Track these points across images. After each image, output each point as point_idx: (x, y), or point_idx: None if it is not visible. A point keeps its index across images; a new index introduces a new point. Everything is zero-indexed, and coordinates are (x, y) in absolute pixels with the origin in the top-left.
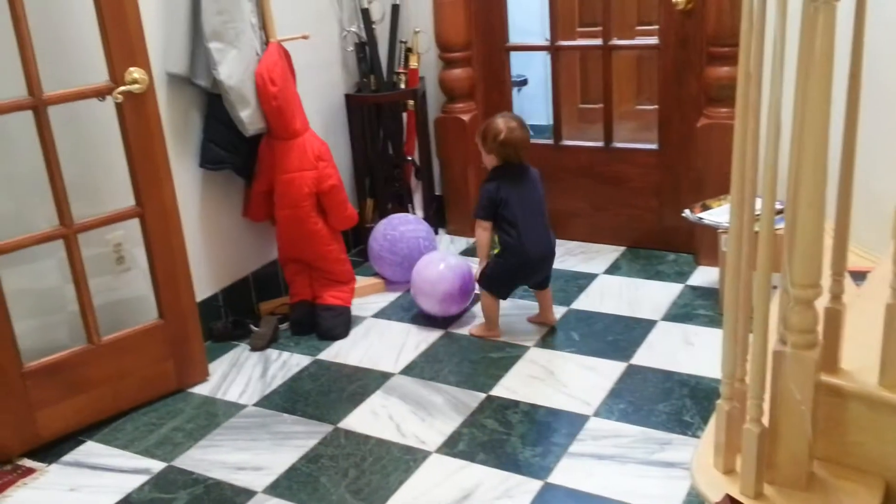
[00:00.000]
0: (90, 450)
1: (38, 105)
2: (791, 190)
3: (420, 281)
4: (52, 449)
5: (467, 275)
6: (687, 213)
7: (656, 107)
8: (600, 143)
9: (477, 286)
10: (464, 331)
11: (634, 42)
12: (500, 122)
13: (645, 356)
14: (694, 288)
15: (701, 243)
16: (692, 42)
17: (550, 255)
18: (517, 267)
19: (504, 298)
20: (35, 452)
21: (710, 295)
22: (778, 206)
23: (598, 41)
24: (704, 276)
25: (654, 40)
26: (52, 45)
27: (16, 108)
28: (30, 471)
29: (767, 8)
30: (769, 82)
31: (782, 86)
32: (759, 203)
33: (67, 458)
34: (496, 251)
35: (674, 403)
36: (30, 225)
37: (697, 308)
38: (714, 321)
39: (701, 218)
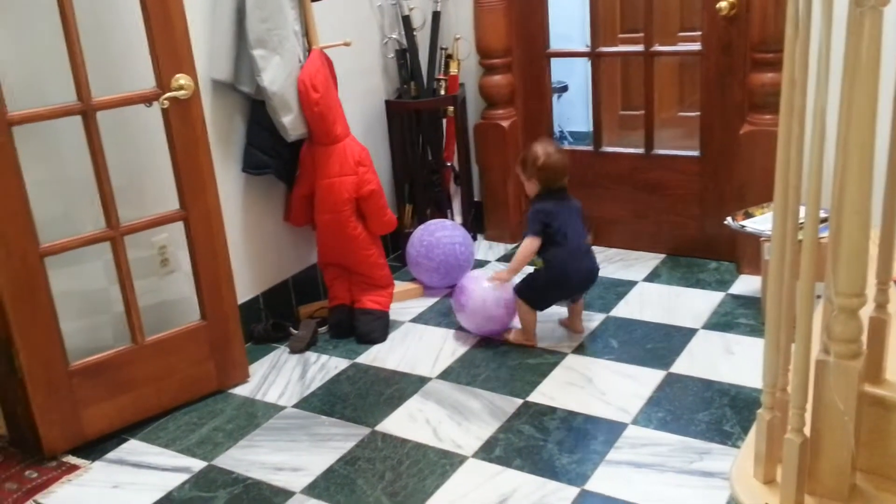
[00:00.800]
0: (133, 448)
1: (86, 110)
2: (836, 197)
3: (464, 298)
4: (95, 447)
5: (510, 299)
6: (729, 220)
7: (698, 113)
8: (641, 150)
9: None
10: (500, 337)
11: (677, 48)
12: (539, 149)
13: (685, 365)
14: (735, 297)
15: (743, 252)
16: (735, 48)
17: (593, 279)
18: (559, 284)
19: (541, 310)
20: (79, 450)
21: (751, 304)
22: (822, 214)
23: (639, 47)
24: (746, 284)
25: (696, 46)
26: (101, 51)
27: (65, 112)
28: (74, 468)
29: (813, 13)
30: (814, 88)
31: (827, 92)
32: (802, 211)
33: (111, 455)
34: (537, 266)
35: (714, 413)
36: (78, 227)
37: (739, 317)
38: (756, 330)
39: (743, 226)
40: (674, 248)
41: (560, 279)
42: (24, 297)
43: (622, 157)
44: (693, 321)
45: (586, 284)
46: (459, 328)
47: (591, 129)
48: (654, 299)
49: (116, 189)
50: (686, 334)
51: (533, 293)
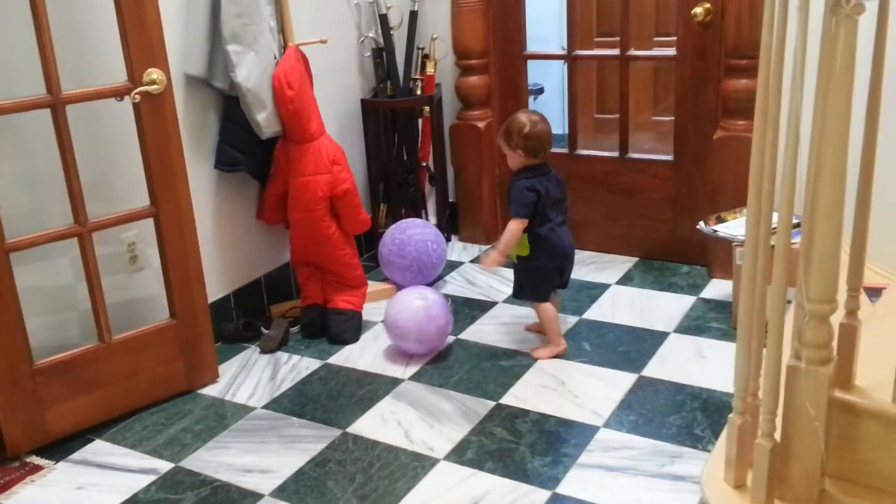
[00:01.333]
0: (98, 448)
1: (56, 103)
2: (808, 203)
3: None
4: (60, 447)
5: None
6: (701, 225)
7: (672, 118)
8: (615, 154)
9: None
10: (475, 338)
11: (652, 53)
12: (524, 117)
13: (656, 368)
14: (707, 300)
15: (715, 256)
16: (710, 53)
17: (573, 253)
18: (555, 263)
19: (547, 300)
20: (43, 450)
21: (723, 308)
22: (794, 220)
23: (615, 51)
24: (718, 288)
25: (671, 51)
26: (71, 44)
27: (34, 106)
28: (37, 468)
29: (788, 20)
30: (789, 95)
31: (802, 98)
32: (775, 216)
33: (75, 456)
34: (518, 255)
35: (685, 416)
36: (45, 223)
37: (710, 321)
38: (727, 334)
39: (716, 230)
40: (646, 251)
41: (556, 256)
42: None
43: (596, 161)
44: (665, 325)
45: (572, 260)
46: None
47: (566, 131)
48: (626, 302)
49: (86, 184)
50: (658, 338)
51: (539, 286)
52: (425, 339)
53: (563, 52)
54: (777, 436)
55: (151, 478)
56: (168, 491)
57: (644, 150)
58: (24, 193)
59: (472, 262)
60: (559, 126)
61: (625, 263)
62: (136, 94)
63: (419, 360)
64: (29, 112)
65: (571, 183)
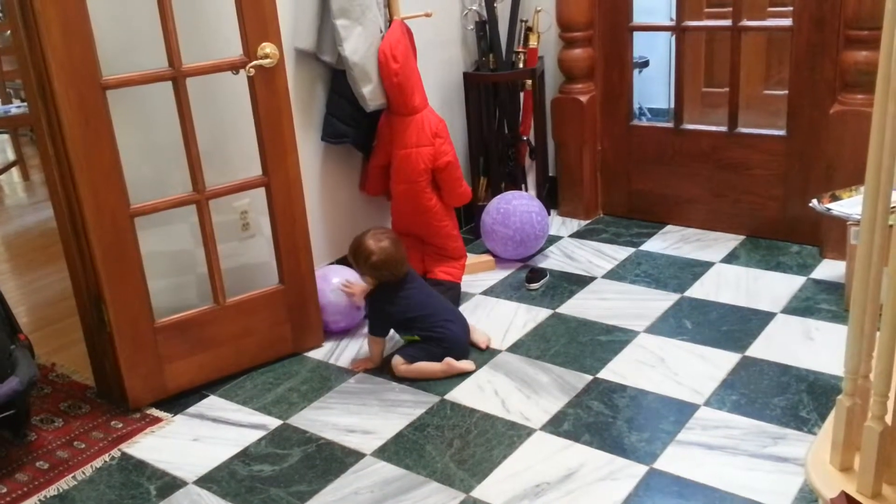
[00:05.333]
0: (212, 404)
1: (177, 76)
2: None
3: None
4: (177, 401)
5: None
6: (814, 203)
7: (785, 92)
8: (724, 128)
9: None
10: (573, 313)
11: (766, 23)
12: (371, 243)
13: (761, 348)
14: (817, 281)
15: (828, 235)
16: (828, 24)
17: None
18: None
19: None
20: (162, 403)
21: (834, 289)
22: None
23: (726, 22)
24: (829, 269)
25: (787, 21)
26: (190, 19)
27: (157, 78)
28: (156, 420)
29: None
30: None
31: None
32: (894, 195)
33: (191, 410)
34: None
35: (790, 398)
36: (166, 191)
37: (820, 302)
38: (837, 317)
39: (829, 209)
40: (754, 229)
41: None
42: (114, 255)
43: (703, 135)
44: (772, 305)
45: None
46: (531, 302)
47: (670, 105)
48: (731, 281)
49: (202, 154)
50: (764, 318)
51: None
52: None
53: (672, 24)
54: (888, 419)
55: (261, 433)
56: (277, 446)
57: (754, 124)
58: (147, 163)
59: (570, 236)
60: (663, 100)
61: (730, 241)
62: (251, 67)
63: (517, 332)
64: (150, 85)
65: (675, 158)
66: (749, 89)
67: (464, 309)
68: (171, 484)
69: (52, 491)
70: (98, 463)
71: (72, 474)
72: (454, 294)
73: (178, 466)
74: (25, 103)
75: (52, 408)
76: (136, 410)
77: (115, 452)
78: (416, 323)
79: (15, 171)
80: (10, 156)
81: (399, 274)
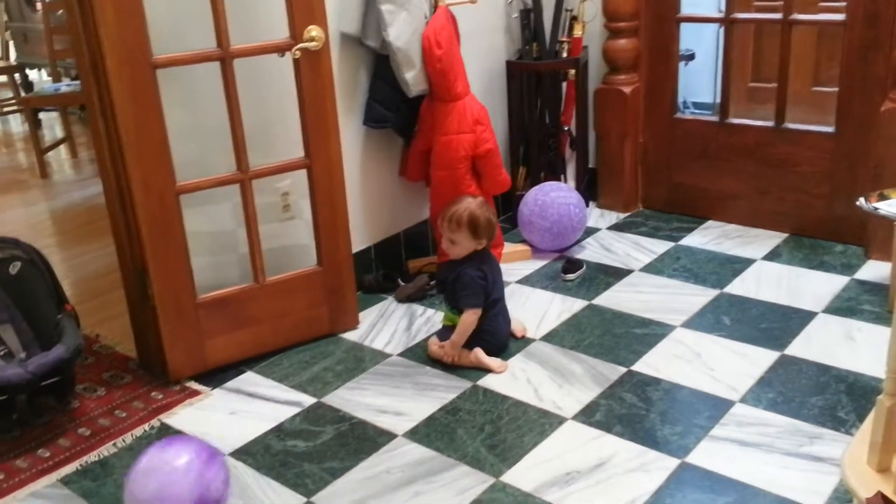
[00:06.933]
0: (249, 379)
1: (225, 57)
2: None
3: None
4: (216, 375)
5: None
6: (861, 201)
7: (834, 89)
8: (770, 123)
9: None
10: (608, 304)
11: (817, 17)
12: (483, 210)
13: (801, 347)
14: (861, 282)
15: (874, 235)
16: (882, 19)
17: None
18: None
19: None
20: (201, 377)
21: (878, 290)
22: None
23: (777, 15)
24: (874, 270)
25: (839, 16)
26: (240, 1)
27: (206, 58)
28: (195, 392)
29: None
30: None
31: None
32: None
33: (229, 384)
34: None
35: (828, 398)
36: (209, 171)
37: (863, 303)
38: (881, 318)
39: (877, 208)
40: (797, 227)
41: (492, 343)
42: (160, 231)
43: (749, 130)
44: (813, 304)
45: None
46: (566, 292)
47: (715, 100)
48: (772, 279)
49: (246, 135)
50: (804, 317)
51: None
52: None
53: (721, 15)
54: None
55: (296, 409)
56: (311, 423)
57: (800, 122)
58: (192, 142)
59: (608, 228)
60: (708, 94)
61: (772, 239)
62: (297, 50)
63: (551, 322)
64: (197, 66)
65: (719, 153)
66: (797, 85)
67: None
68: None
69: (93, 457)
70: (138, 432)
71: (112, 441)
72: None
73: (215, 438)
74: (75, 82)
75: (95, 377)
76: (176, 383)
77: (155, 422)
78: (488, 296)
79: (63, 149)
80: (59, 133)
81: (493, 238)
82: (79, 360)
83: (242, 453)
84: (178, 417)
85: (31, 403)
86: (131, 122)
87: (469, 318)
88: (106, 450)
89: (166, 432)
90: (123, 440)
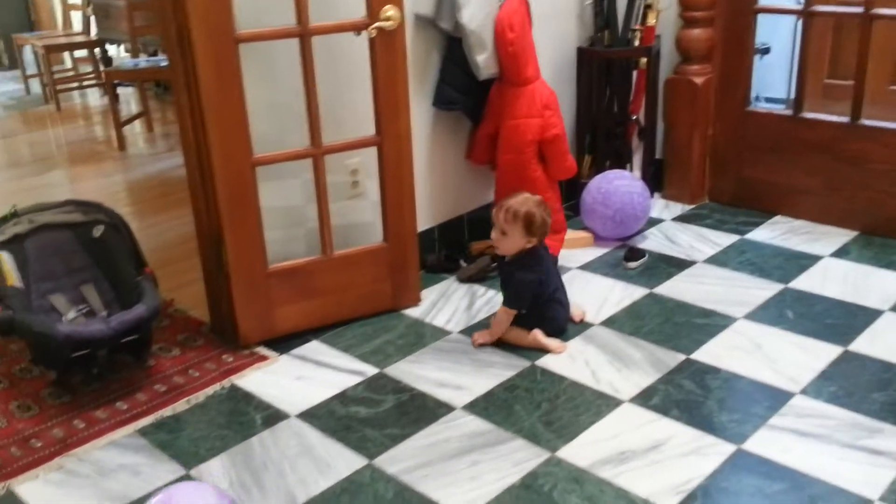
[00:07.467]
0: (315, 348)
1: (304, 34)
2: None
3: None
4: (283, 342)
5: None
6: None
7: None
8: (846, 119)
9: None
10: (670, 294)
11: None
12: (539, 208)
13: (865, 344)
14: None
15: None
16: None
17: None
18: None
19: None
20: (269, 343)
21: None
22: None
23: (858, 8)
24: None
25: None
26: None
27: (286, 35)
28: (264, 357)
29: None
30: None
31: None
32: None
33: (296, 351)
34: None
35: (891, 394)
36: (281, 147)
37: None
38: None
39: None
40: (869, 226)
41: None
42: (236, 202)
43: (823, 126)
44: (881, 302)
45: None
46: (627, 280)
47: (789, 95)
48: (839, 276)
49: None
50: (871, 314)
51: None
52: None
53: (799, 7)
54: None
55: (358, 378)
56: (372, 391)
57: (877, 118)
58: (267, 119)
59: (673, 220)
60: (781, 90)
61: (841, 237)
62: (373, 28)
63: (611, 308)
64: (274, 43)
65: (791, 147)
66: (874, 83)
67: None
68: (276, 415)
69: (167, 412)
70: (210, 391)
71: (186, 398)
72: None
73: (282, 400)
74: (153, 58)
75: (170, 339)
76: (246, 347)
77: (226, 383)
78: (542, 291)
79: (138, 123)
80: (134, 108)
81: (545, 236)
82: (157, 320)
83: (308, 416)
84: (248, 380)
85: (111, 360)
86: (214, 95)
87: (503, 315)
88: (180, 406)
89: (236, 393)
90: (196, 397)
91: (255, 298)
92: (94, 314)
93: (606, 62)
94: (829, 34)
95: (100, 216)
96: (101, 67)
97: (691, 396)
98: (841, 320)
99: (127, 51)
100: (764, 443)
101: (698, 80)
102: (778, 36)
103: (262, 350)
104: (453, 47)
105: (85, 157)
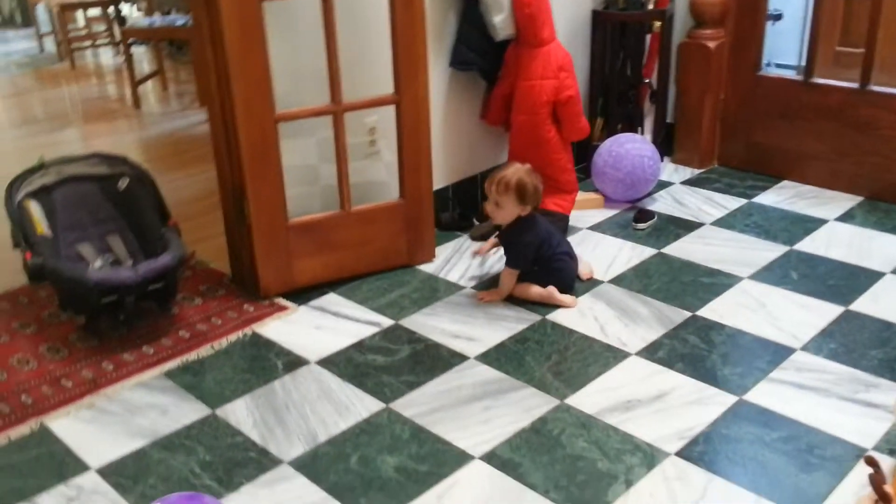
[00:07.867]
0: (332, 300)
1: None
2: None
3: None
4: (302, 294)
5: None
6: None
7: None
8: (855, 84)
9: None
10: (677, 254)
11: None
12: (531, 176)
13: (866, 304)
14: None
15: None
16: None
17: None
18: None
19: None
20: (289, 294)
21: None
22: None
23: None
24: None
25: None
26: None
27: None
28: (283, 308)
29: None
30: None
31: None
32: None
33: (314, 303)
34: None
35: (889, 352)
36: (300, 105)
37: None
38: None
39: None
40: (875, 191)
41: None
42: (258, 156)
43: (833, 91)
44: (882, 265)
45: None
46: (636, 241)
47: (800, 62)
48: (843, 239)
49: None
50: (872, 276)
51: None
52: None
53: None
54: None
55: (375, 329)
56: (389, 341)
57: (888, 85)
58: (287, 77)
59: (682, 183)
60: (793, 57)
61: (847, 201)
62: None
63: (620, 267)
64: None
65: (801, 112)
66: (886, 51)
67: (570, 240)
68: (296, 361)
69: (192, 356)
70: (232, 338)
71: (209, 344)
72: (563, 226)
73: (302, 347)
74: (167, 16)
75: (193, 289)
76: (266, 298)
77: (248, 330)
78: (543, 251)
79: (151, 82)
80: (147, 68)
81: (539, 204)
82: (182, 269)
83: (327, 362)
84: (268, 328)
85: (137, 307)
86: (238, 51)
87: (506, 275)
88: (204, 351)
89: (257, 339)
90: (219, 343)
91: (276, 251)
92: (120, 263)
93: (621, 25)
94: (840, 2)
95: (125, 169)
96: (116, 26)
97: (696, 350)
98: (843, 281)
99: (139, 10)
100: (764, 394)
101: (711, 45)
102: (790, 2)
103: (282, 301)
104: (471, 9)
105: (100, 114)
